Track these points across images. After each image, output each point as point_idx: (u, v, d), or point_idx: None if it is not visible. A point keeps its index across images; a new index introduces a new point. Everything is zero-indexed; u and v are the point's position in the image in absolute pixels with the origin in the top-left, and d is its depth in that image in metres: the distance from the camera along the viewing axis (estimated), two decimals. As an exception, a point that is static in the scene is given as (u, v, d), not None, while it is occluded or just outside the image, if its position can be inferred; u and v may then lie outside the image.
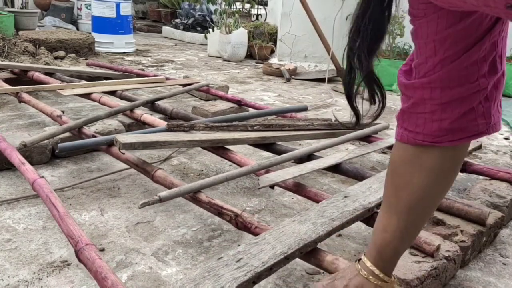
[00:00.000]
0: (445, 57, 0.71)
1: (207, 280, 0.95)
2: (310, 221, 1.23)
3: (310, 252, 1.15)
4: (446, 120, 0.76)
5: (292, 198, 1.79)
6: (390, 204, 0.87)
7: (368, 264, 0.91)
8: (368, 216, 1.36)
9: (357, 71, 0.78)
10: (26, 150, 1.83)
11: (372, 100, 0.79)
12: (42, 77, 2.86)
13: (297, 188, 1.58)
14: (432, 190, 0.82)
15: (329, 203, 1.34)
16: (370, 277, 0.90)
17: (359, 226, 1.59)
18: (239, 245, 1.18)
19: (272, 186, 1.62)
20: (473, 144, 2.00)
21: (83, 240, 1.11)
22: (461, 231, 1.42)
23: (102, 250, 1.37)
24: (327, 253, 1.16)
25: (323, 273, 1.28)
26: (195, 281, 0.95)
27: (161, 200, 1.35)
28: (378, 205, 1.37)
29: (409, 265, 1.19)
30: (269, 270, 1.04)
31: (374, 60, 0.76)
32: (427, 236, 1.26)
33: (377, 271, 0.90)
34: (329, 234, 1.20)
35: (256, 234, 1.24)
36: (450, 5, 0.65)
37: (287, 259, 1.08)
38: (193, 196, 1.45)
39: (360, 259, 0.94)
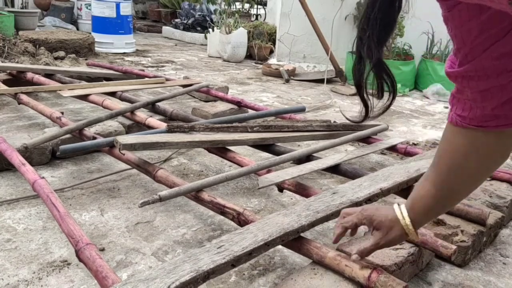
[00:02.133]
0: (473, 46, 0.73)
1: (186, 263, 1.00)
2: (295, 213, 1.26)
3: (293, 240, 1.20)
4: (487, 107, 0.79)
5: (291, 199, 1.80)
6: (434, 163, 0.93)
7: (404, 210, 0.99)
8: None
9: (366, 60, 0.79)
10: (26, 151, 1.83)
11: (380, 93, 0.82)
12: (42, 79, 2.86)
13: (296, 188, 1.58)
14: (473, 161, 0.86)
15: (317, 199, 1.36)
16: (403, 219, 0.98)
17: (359, 226, 1.59)
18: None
19: (280, 190, 1.64)
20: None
21: (84, 240, 1.12)
22: (462, 231, 1.42)
23: (102, 250, 1.38)
24: (311, 241, 1.19)
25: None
26: (175, 264, 1.00)
27: (161, 199, 1.36)
28: (367, 200, 1.39)
29: (387, 252, 1.24)
30: (249, 255, 1.08)
31: (384, 50, 0.78)
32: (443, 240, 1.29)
33: (407, 218, 0.98)
34: (312, 224, 1.23)
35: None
36: None
37: (267, 245, 1.12)
38: (195, 195, 1.46)
39: (400, 203, 1.02)
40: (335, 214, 1.29)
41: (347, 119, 0.99)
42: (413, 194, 0.99)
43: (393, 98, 0.83)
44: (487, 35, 0.71)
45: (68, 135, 2.00)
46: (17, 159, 1.60)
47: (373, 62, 0.79)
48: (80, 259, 1.09)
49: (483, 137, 0.83)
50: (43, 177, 1.44)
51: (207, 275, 0.98)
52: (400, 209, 1.00)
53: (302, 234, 1.22)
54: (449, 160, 0.89)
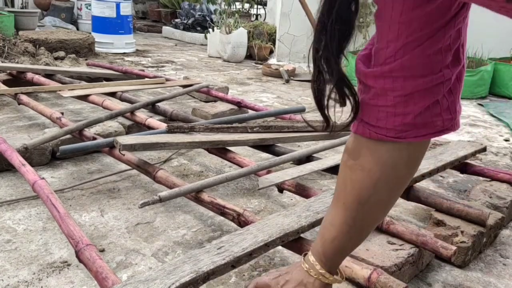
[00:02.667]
0: (408, 41, 0.64)
1: (186, 264, 1.00)
2: (295, 214, 1.26)
3: (293, 241, 1.19)
4: (409, 115, 0.69)
5: (292, 199, 1.80)
6: (339, 197, 0.80)
7: (312, 259, 0.86)
8: None
9: (325, 74, 0.70)
10: (26, 152, 1.83)
11: (343, 103, 0.72)
12: (42, 79, 2.86)
13: (297, 189, 1.58)
14: (384, 186, 0.75)
15: (317, 199, 1.37)
16: (311, 271, 0.85)
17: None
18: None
19: (280, 190, 1.64)
20: (477, 146, 2.00)
21: (84, 240, 1.12)
22: (462, 232, 1.42)
23: (102, 250, 1.38)
24: (312, 242, 1.19)
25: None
26: (175, 265, 1.00)
27: (161, 200, 1.36)
28: None
29: (387, 253, 1.25)
30: (249, 256, 1.08)
31: (342, 60, 0.70)
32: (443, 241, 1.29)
33: (318, 266, 0.84)
34: (312, 225, 1.23)
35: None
36: None
37: (267, 246, 1.12)
38: (195, 196, 1.46)
39: (306, 254, 0.89)
40: None
41: (309, 125, 0.92)
42: (321, 238, 0.84)
43: (356, 114, 0.73)
44: (429, 29, 0.64)
45: (68, 136, 2.00)
46: (17, 159, 1.60)
47: (333, 77, 0.70)
48: (80, 260, 1.09)
49: (401, 151, 0.73)
50: (43, 178, 1.44)
51: (207, 276, 0.99)
52: (306, 263, 0.87)
53: (302, 235, 1.22)
54: (359, 186, 0.76)
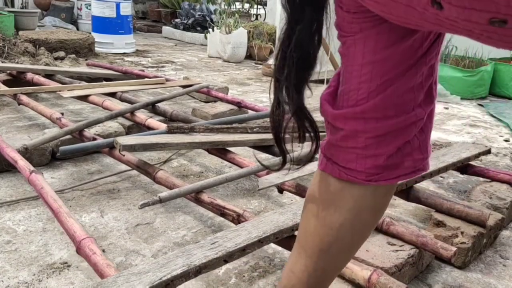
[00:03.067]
0: (382, 82, 0.60)
1: (179, 258, 1.02)
2: (291, 212, 1.27)
3: (287, 238, 1.20)
4: (381, 156, 0.65)
5: (292, 200, 1.80)
6: (300, 243, 0.74)
7: None
8: None
9: (285, 105, 0.66)
10: (26, 152, 1.83)
11: (302, 139, 0.67)
12: (42, 80, 2.86)
13: (297, 189, 1.58)
14: (348, 232, 0.70)
15: None
16: None
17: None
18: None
19: (280, 191, 1.64)
20: (481, 148, 2.00)
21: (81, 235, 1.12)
22: (462, 232, 1.42)
23: (103, 251, 1.37)
24: None
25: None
26: (168, 259, 1.02)
27: (161, 200, 1.36)
28: None
29: (387, 254, 1.25)
30: (242, 251, 1.09)
31: (305, 92, 0.65)
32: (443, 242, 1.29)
33: None
34: None
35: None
36: (406, 23, 0.54)
37: (261, 242, 1.14)
38: (195, 196, 1.46)
39: None
40: None
41: (262, 165, 0.87)
42: (283, 277, 0.77)
43: (316, 148, 0.68)
44: (402, 68, 0.60)
45: (68, 136, 2.00)
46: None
47: (293, 109, 0.65)
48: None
49: (367, 195, 0.68)
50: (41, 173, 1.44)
51: (199, 270, 1.00)
52: None
53: (296, 233, 1.22)
54: (322, 232, 0.70)
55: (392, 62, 0.59)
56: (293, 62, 0.62)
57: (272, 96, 0.68)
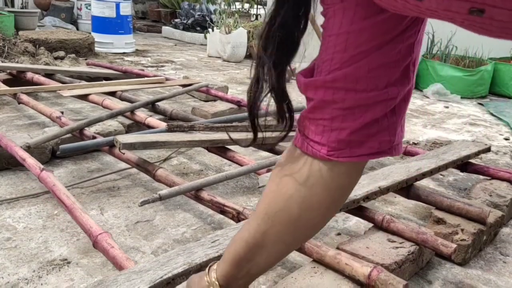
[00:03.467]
0: (356, 53, 0.60)
1: (180, 256, 1.02)
2: None
3: None
4: (345, 130, 0.64)
5: (292, 198, 1.79)
6: (256, 207, 0.75)
7: (213, 274, 0.78)
8: (354, 208, 1.41)
9: (264, 84, 0.66)
10: (27, 151, 1.83)
11: (280, 118, 0.68)
12: (42, 79, 2.85)
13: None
14: (296, 204, 0.69)
15: None
16: (211, 287, 0.78)
17: (358, 224, 1.59)
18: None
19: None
20: (481, 146, 1.99)
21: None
22: (462, 229, 1.42)
23: (102, 249, 1.37)
24: (311, 240, 1.19)
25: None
26: (169, 257, 1.02)
27: (161, 198, 1.36)
28: (365, 198, 1.42)
29: (387, 251, 1.24)
30: None
31: (286, 73, 0.66)
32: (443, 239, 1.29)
33: (216, 283, 0.77)
34: None
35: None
36: (394, 8, 0.54)
37: None
38: (195, 194, 1.46)
39: (211, 266, 0.81)
40: None
41: (231, 139, 0.91)
42: (229, 245, 0.78)
43: (288, 131, 0.69)
44: (378, 41, 0.59)
45: (68, 135, 2.00)
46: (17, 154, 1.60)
47: (274, 90, 0.66)
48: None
49: (330, 170, 0.66)
50: (44, 170, 1.44)
51: (200, 268, 1.00)
52: (207, 278, 0.79)
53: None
54: (272, 196, 0.71)
55: (368, 33, 0.59)
56: (275, 41, 0.63)
57: (252, 72, 0.67)
